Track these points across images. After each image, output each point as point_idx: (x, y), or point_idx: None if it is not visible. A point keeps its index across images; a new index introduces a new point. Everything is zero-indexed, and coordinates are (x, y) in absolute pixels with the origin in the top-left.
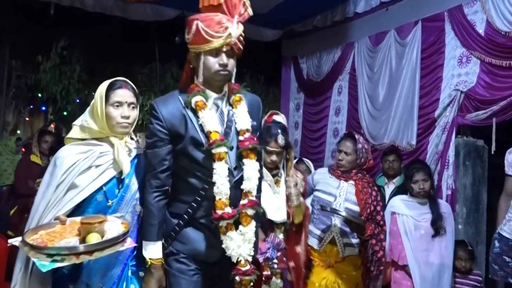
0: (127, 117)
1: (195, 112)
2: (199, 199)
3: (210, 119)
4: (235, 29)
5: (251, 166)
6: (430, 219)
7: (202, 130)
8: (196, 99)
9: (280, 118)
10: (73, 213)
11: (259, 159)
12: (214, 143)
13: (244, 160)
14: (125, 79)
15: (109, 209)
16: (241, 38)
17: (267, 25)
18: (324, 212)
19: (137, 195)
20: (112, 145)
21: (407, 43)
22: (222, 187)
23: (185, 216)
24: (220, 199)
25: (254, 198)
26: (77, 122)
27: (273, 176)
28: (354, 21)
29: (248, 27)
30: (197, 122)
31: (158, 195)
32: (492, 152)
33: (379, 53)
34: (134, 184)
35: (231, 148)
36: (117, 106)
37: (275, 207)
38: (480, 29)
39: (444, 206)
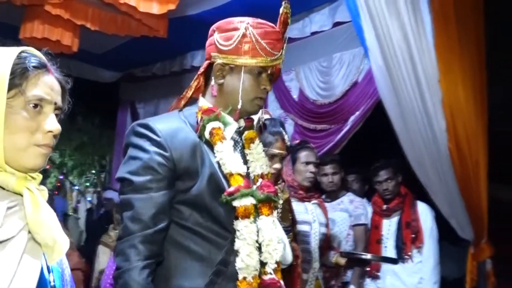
0: (52, 136)
1: (208, 143)
2: (217, 279)
3: (231, 156)
4: (283, 50)
5: (267, 225)
6: None
7: (221, 170)
8: (214, 125)
9: (268, 114)
10: None
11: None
12: (238, 191)
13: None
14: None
15: None
16: None
17: (105, 66)
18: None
19: None
20: (19, 194)
21: None
22: (248, 260)
23: None
24: (244, 278)
25: (274, 277)
26: None
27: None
28: (191, 74)
29: (84, 66)
30: (214, 159)
31: (149, 272)
32: None
33: None
34: (66, 268)
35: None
36: (35, 107)
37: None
38: (295, 94)
39: None
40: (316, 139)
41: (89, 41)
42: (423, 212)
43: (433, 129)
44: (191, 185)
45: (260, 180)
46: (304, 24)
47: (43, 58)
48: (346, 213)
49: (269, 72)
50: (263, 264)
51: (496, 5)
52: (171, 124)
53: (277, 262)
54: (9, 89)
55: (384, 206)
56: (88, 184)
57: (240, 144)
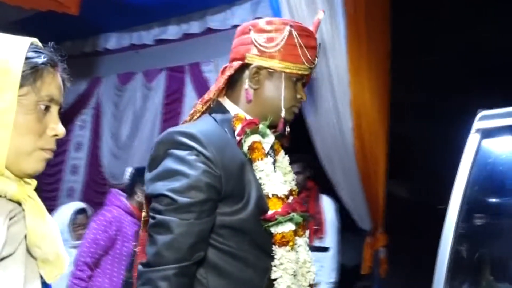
0: (55, 139)
1: (250, 160)
2: None
3: (271, 176)
4: (317, 58)
5: (301, 247)
6: None
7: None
8: (254, 138)
9: None
10: None
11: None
12: (274, 217)
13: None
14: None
15: None
16: None
17: None
18: None
19: None
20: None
21: (153, 88)
22: None
23: None
24: None
25: None
26: None
27: None
28: (104, 57)
29: None
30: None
31: None
32: None
33: (126, 93)
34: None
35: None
36: (46, 109)
37: None
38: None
39: None
40: None
41: None
42: (327, 205)
43: (342, 127)
44: (237, 208)
45: (290, 198)
46: (226, 17)
47: (52, 54)
48: None
49: (304, 80)
50: None
51: (401, 15)
52: (216, 135)
53: (310, 285)
54: (21, 86)
55: None
56: None
57: (274, 158)
